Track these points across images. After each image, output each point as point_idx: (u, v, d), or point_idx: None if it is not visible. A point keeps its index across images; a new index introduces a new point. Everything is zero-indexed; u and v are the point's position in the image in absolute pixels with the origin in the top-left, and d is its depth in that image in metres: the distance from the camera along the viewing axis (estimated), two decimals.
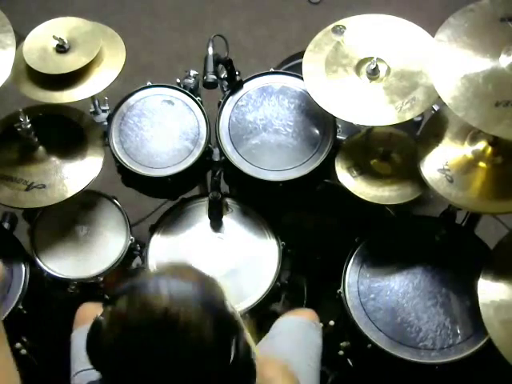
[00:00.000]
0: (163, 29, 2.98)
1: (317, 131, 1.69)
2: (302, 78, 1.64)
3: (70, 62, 1.62)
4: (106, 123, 1.76)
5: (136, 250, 1.77)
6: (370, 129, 1.67)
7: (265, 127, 1.70)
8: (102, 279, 1.68)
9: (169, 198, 1.88)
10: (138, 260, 1.80)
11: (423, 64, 1.53)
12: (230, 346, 0.89)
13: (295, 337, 1.47)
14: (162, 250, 1.68)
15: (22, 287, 1.62)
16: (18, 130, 1.59)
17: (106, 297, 0.97)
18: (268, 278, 1.62)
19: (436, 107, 1.65)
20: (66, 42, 1.64)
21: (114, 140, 1.71)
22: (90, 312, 1.45)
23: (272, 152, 1.67)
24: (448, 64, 1.39)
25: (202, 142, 1.70)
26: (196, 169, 1.70)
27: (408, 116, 1.49)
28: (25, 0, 3.01)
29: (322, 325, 1.57)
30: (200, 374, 0.88)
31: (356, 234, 1.66)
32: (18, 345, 1.63)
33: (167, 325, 0.85)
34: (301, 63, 1.62)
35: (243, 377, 0.95)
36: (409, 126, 1.65)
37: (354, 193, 1.59)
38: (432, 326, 1.51)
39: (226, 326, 0.91)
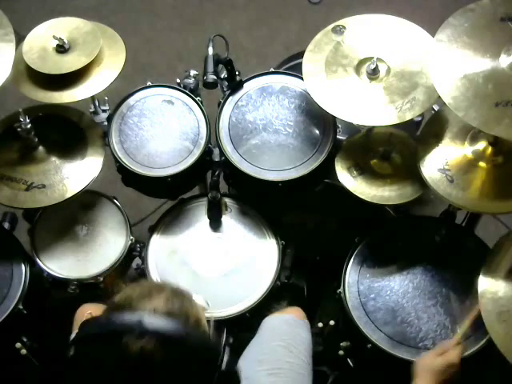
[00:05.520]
0: (163, 28, 2.99)
1: (317, 131, 1.69)
2: (302, 78, 1.64)
3: (70, 62, 1.62)
4: (105, 123, 1.76)
5: (136, 250, 1.77)
6: (370, 129, 1.67)
7: (265, 127, 1.70)
8: (102, 279, 1.68)
9: (169, 198, 1.88)
10: (137, 260, 1.80)
11: (423, 64, 1.53)
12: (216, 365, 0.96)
13: (283, 334, 1.46)
14: (161, 250, 1.68)
15: (21, 287, 1.62)
16: (18, 130, 1.59)
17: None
18: (268, 277, 1.62)
19: (436, 107, 1.65)
20: (66, 42, 1.64)
21: (114, 140, 1.71)
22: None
23: (272, 152, 1.67)
24: (448, 64, 1.39)
25: (202, 141, 1.70)
26: (196, 169, 1.69)
27: (408, 116, 1.49)
28: (25, 0, 3.01)
29: (308, 322, 1.56)
30: None
31: (356, 233, 1.66)
32: (18, 345, 1.63)
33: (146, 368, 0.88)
34: (301, 63, 1.62)
35: None
36: (409, 126, 1.65)
37: (354, 193, 1.59)
38: (432, 325, 1.51)
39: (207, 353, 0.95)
